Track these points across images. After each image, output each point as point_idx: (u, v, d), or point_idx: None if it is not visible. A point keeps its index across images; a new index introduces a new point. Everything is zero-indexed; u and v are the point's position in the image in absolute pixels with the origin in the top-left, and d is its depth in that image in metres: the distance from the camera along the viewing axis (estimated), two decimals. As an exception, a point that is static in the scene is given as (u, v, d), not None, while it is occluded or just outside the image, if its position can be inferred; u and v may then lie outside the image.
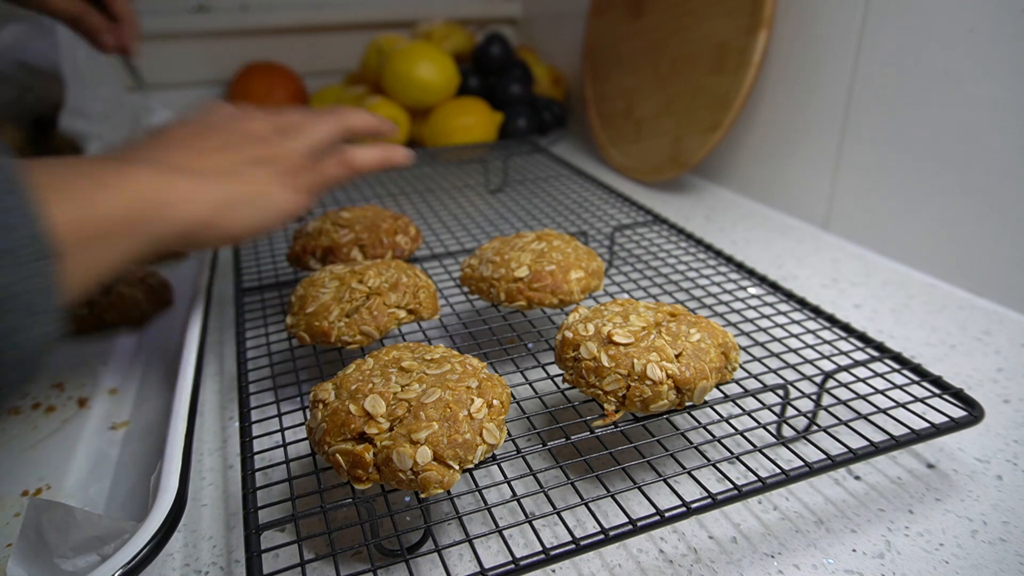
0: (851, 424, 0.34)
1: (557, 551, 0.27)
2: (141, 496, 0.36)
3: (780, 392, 0.36)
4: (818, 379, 0.37)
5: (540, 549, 0.27)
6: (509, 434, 0.32)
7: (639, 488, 0.30)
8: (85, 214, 0.27)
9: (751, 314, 0.48)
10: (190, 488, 0.31)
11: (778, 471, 0.32)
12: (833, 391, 0.39)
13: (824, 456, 0.32)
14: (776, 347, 0.45)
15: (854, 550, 0.32)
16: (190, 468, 0.31)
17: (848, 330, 0.43)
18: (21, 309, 0.23)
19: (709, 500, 0.30)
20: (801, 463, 0.32)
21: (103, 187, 0.28)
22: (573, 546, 0.28)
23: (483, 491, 0.34)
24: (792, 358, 0.44)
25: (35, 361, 0.24)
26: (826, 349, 0.43)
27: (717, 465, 0.32)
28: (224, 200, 0.34)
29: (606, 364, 0.33)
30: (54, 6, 0.58)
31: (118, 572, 0.25)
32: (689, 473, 0.32)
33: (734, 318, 0.48)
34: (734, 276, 0.53)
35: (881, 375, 0.38)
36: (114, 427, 0.42)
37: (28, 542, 0.28)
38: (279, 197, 0.38)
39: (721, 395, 0.36)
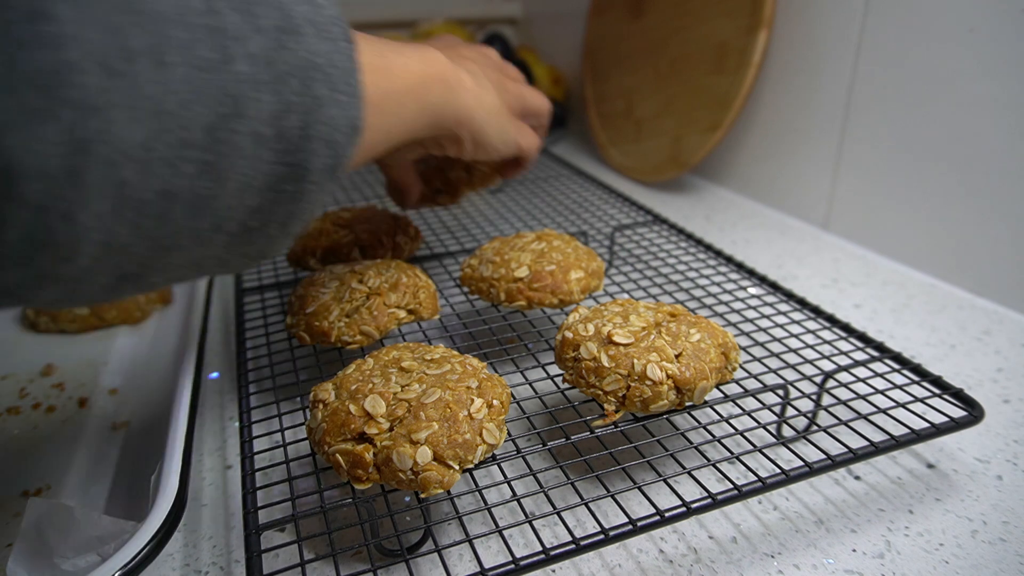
0: (851, 424, 0.34)
1: (557, 551, 0.27)
2: (141, 496, 0.36)
3: (780, 392, 0.36)
4: (818, 379, 0.37)
5: (540, 549, 0.27)
6: (509, 434, 0.32)
7: (639, 488, 0.30)
8: (386, 63, 0.30)
9: (751, 314, 0.48)
10: (190, 488, 0.31)
11: (778, 471, 0.32)
12: (833, 391, 0.39)
13: (824, 456, 0.32)
14: (776, 347, 0.45)
15: (854, 550, 0.32)
16: (190, 468, 0.31)
17: (848, 330, 0.43)
18: (335, 80, 0.24)
19: (709, 500, 0.30)
20: (801, 463, 0.32)
21: (403, 54, 0.31)
22: (573, 546, 0.28)
23: (483, 491, 0.34)
24: (792, 358, 0.44)
25: (344, 149, 0.25)
26: (826, 349, 0.43)
27: (717, 465, 0.32)
28: (489, 105, 0.37)
29: (606, 364, 0.33)
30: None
31: (118, 572, 0.25)
32: (689, 473, 0.32)
33: (734, 318, 0.48)
34: (734, 276, 0.53)
35: (881, 375, 0.38)
36: (114, 427, 0.42)
37: (28, 542, 0.28)
38: (515, 130, 0.41)
39: (721, 395, 0.36)
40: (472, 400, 0.30)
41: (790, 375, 0.42)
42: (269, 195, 0.24)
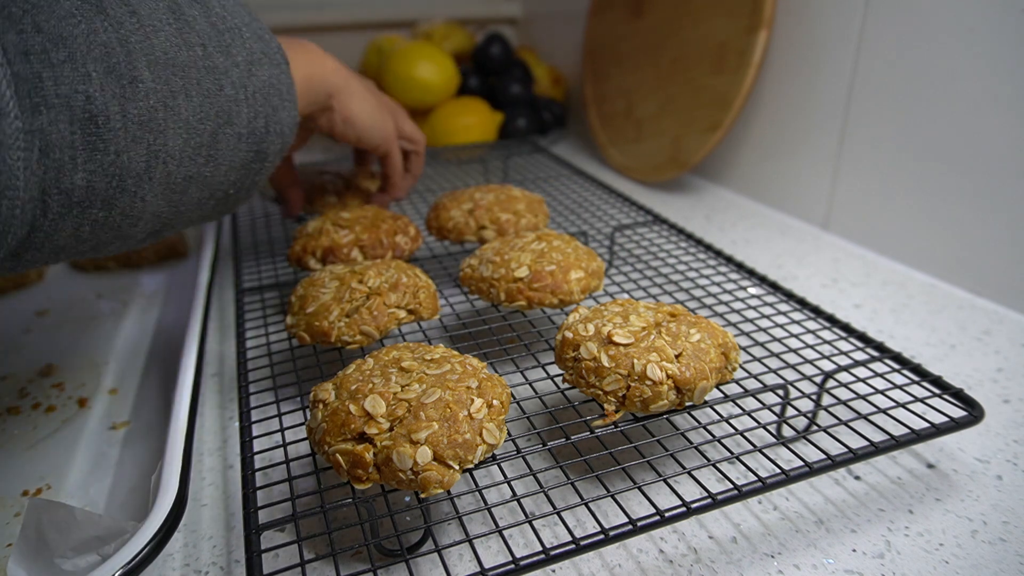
0: (851, 424, 0.34)
1: (557, 551, 0.27)
2: (141, 496, 0.36)
3: (780, 392, 0.36)
4: (818, 379, 0.37)
5: (540, 549, 0.27)
6: (509, 434, 0.32)
7: (639, 488, 0.30)
8: (300, 68, 0.41)
9: (751, 314, 0.48)
10: (190, 488, 0.31)
11: (778, 471, 0.32)
12: (833, 391, 0.39)
13: (824, 456, 0.32)
14: (776, 347, 0.45)
15: (854, 550, 0.32)
16: (190, 468, 0.31)
17: (848, 330, 0.43)
18: (283, 93, 0.37)
19: (709, 500, 0.30)
20: (801, 463, 0.32)
21: (307, 54, 0.43)
22: (573, 546, 0.28)
23: (483, 491, 0.34)
24: (792, 358, 0.44)
25: (288, 137, 0.38)
26: (826, 349, 0.43)
27: (717, 465, 0.32)
28: (358, 88, 0.47)
29: (606, 364, 0.33)
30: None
31: (119, 572, 0.25)
32: (689, 473, 0.32)
33: (734, 318, 0.48)
34: (734, 276, 0.53)
35: (881, 375, 0.38)
36: (114, 427, 0.42)
37: (28, 542, 0.28)
38: (384, 120, 0.50)
39: (721, 395, 0.36)
40: (472, 400, 0.30)
41: (790, 375, 0.42)
42: (243, 172, 0.36)
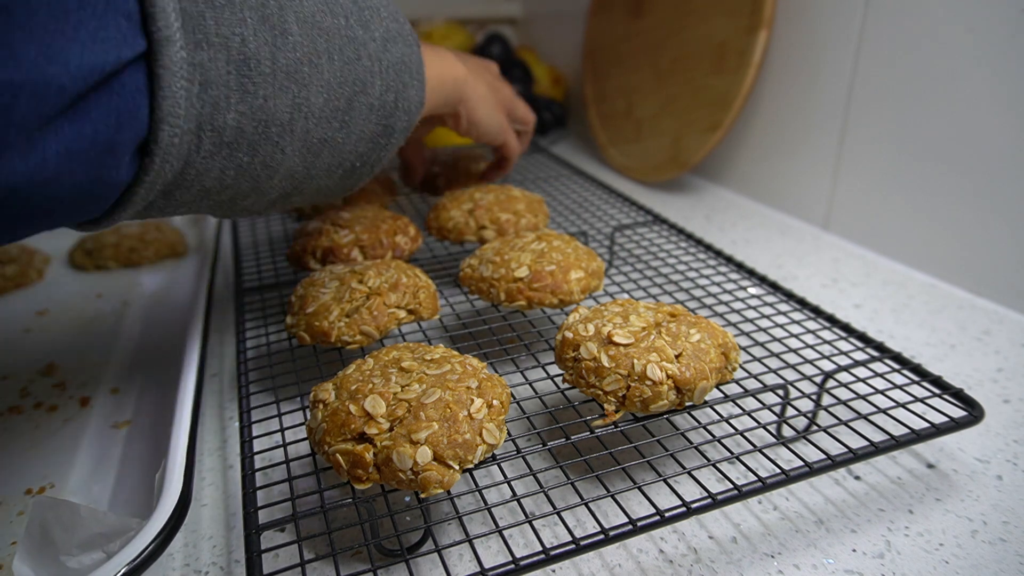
0: (851, 424, 0.34)
1: (557, 551, 0.27)
2: (144, 495, 0.36)
3: (780, 392, 0.36)
4: (818, 379, 0.37)
5: (540, 549, 0.27)
6: (509, 434, 0.32)
7: (639, 488, 0.30)
8: (431, 62, 0.43)
9: (751, 314, 0.48)
10: (191, 488, 0.31)
11: (778, 471, 0.32)
12: (833, 391, 0.39)
13: (824, 456, 0.32)
14: (776, 347, 0.45)
15: (854, 550, 0.32)
16: (194, 467, 0.31)
17: (848, 330, 0.43)
18: (413, 72, 0.38)
19: (709, 500, 0.30)
20: (801, 463, 0.32)
21: (439, 55, 0.45)
22: (573, 546, 0.28)
23: (483, 491, 0.34)
24: (792, 358, 0.44)
25: (414, 115, 0.40)
26: (826, 349, 0.43)
27: (717, 465, 0.32)
28: (482, 94, 0.50)
29: (606, 364, 0.33)
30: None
31: (124, 569, 0.25)
32: (689, 473, 0.32)
33: (734, 318, 0.48)
34: (734, 276, 0.53)
35: (881, 375, 0.38)
36: (116, 426, 0.42)
37: (34, 539, 0.28)
38: (501, 120, 0.53)
39: (721, 395, 0.36)
40: (472, 400, 0.30)
41: (790, 375, 0.42)
42: (371, 145, 0.37)
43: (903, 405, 0.35)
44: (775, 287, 0.49)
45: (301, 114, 0.32)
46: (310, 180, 0.35)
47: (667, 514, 0.29)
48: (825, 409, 0.36)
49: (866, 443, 0.33)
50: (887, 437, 0.34)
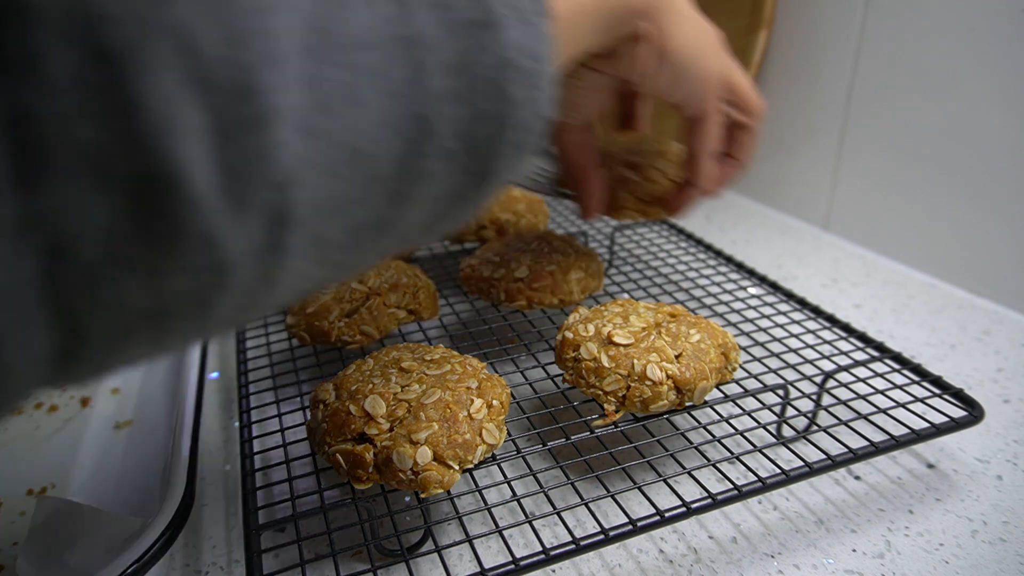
0: (851, 424, 0.34)
1: (557, 551, 0.27)
2: (146, 495, 0.36)
3: (780, 392, 0.36)
4: (818, 379, 0.37)
5: (540, 549, 0.27)
6: (509, 434, 0.32)
7: (639, 488, 0.30)
8: None
9: (751, 314, 0.48)
10: (191, 488, 0.31)
11: (778, 471, 0.32)
12: (833, 391, 0.39)
13: (824, 456, 0.32)
14: (776, 347, 0.45)
15: (854, 550, 0.32)
16: (197, 467, 0.31)
17: (848, 330, 0.43)
18: (531, 72, 0.21)
19: (709, 500, 0.30)
20: (801, 463, 0.32)
21: None
22: (573, 546, 0.28)
23: (483, 491, 0.34)
24: (792, 358, 0.44)
25: (531, 148, 0.23)
26: (826, 349, 0.43)
27: (717, 465, 0.32)
28: (692, 13, 0.31)
29: (606, 364, 0.33)
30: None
31: (128, 569, 0.25)
32: (689, 473, 0.32)
33: (734, 318, 0.48)
34: (734, 276, 0.53)
35: (881, 375, 0.38)
36: (118, 426, 0.42)
37: (37, 539, 0.28)
38: (721, 66, 0.33)
39: (721, 395, 0.36)
40: (472, 400, 0.30)
41: (790, 375, 0.42)
42: (450, 204, 0.22)
43: (903, 405, 0.35)
44: (775, 287, 0.49)
45: (293, 225, 0.19)
46: (342, 273, 0.23)
47: (667, 514, 0.29)
48: (825, 409, 0.36)
49: (866, 443, 0.33)
50: (887, 437, 0.34)
